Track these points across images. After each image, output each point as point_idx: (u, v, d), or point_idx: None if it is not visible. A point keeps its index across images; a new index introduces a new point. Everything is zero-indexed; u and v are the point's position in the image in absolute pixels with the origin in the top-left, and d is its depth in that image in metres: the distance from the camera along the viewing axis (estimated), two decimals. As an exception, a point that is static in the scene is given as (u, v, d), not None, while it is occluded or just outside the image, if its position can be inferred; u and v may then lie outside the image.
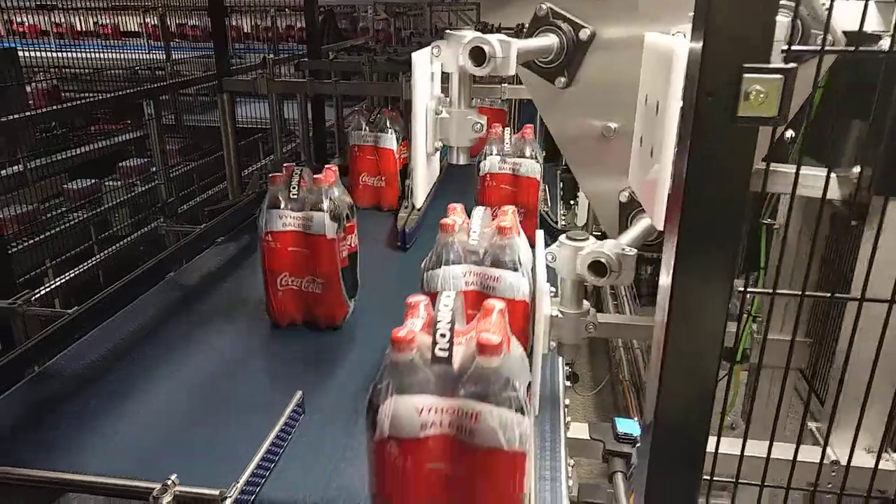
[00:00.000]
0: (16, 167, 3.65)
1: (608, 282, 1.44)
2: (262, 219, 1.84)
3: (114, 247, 3.17)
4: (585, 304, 1.55)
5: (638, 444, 1.44)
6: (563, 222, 2.90)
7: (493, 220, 1.61)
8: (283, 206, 1.82)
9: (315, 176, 1.85)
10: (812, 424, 1.91)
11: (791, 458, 1.41)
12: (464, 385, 0.90)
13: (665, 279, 0.86)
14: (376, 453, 0.94)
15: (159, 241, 3.21)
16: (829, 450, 1.76)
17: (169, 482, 1.16)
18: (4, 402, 1.59)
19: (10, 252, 2.74)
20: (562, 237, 1.48)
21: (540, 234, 1.61)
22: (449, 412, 0.91)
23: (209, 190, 4.33)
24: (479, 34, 1.15)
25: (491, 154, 2.45)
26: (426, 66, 1.24)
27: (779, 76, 0.72)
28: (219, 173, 4.85)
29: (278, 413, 1.42)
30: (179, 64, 5.58)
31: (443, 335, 0.91)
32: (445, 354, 0.91)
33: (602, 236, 1.51)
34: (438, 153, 1.40)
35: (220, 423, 1.53)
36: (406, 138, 2.93)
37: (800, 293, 1.15)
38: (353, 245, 1.95)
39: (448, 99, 1.37)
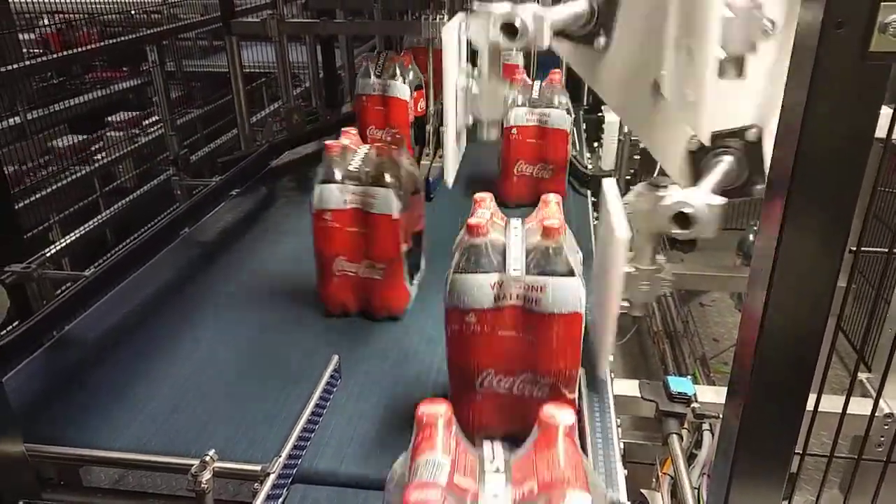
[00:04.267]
0: (15, 119, 3.52)
1: (691, 234, 1.29)
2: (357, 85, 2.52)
3: (124, 200, 3.05)
4: (659, 258, 1.42)
5: (693, 405, 1.37)
6: (591, 167, 2.76)
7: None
8: (370, 76, 2.45)
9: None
10: (862, 376, 1.84)
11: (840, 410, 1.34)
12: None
13: (768, 236, 0.77)
14: None
15: (168, 194, 3.09)
16: (881, 402, 1.70)
17: (207, 458, 1.09)
18: (26, 371, 1.52)
19: (17, 208, 2.62)
20: (639, 186, 1.33)
21: (611, 182, 1.42)
22: None
23: (216, 140, 4.18)
24: (509, 6, 1.00)
25: (516, 104, 2.22)
26: (455, 42, 1.15)
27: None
28: (222, 122, 4.70)
29: (315, 377, 1.35)
30: (175, 7, 5.33)
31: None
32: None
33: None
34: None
35: (253, 388, 1.46)
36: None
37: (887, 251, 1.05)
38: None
39: (476, 70, 1.26)
